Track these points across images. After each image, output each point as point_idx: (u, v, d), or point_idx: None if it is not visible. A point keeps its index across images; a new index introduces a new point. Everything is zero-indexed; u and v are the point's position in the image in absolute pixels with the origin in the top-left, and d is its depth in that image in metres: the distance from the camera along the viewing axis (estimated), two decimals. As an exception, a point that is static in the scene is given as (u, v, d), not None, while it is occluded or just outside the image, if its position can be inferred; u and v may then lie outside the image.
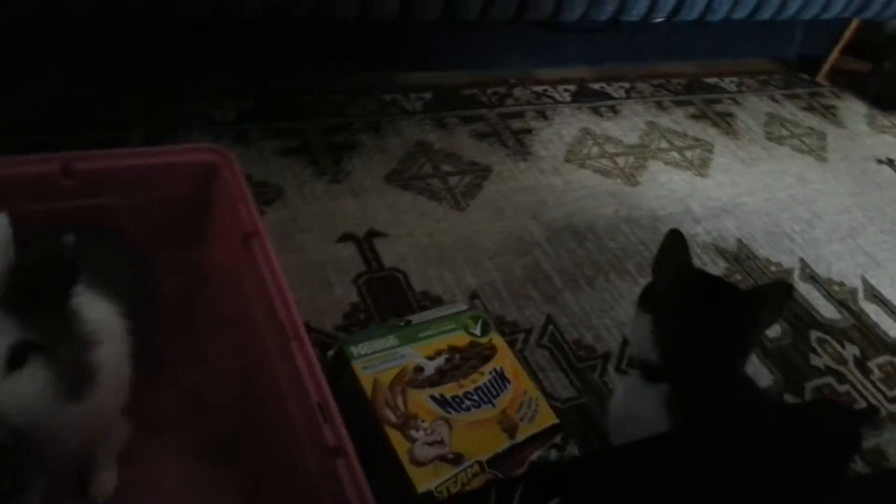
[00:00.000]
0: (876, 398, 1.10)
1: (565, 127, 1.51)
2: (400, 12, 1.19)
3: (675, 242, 0.73)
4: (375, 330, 0.89)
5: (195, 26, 1.16)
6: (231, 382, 0.82)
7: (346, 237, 1.12)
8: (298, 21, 1.12)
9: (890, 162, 1.71)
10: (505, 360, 0.88)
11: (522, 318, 1.07)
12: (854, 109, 1.90)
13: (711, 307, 0.70)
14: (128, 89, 1.23)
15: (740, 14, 1.52)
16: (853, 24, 1.86)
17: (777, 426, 0.62)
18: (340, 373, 0.82)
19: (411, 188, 1.25)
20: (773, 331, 1.16)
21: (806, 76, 1.99)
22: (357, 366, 0.81)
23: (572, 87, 1.65)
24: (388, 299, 1.04)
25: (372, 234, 1.13)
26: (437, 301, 1.05)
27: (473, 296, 1.08)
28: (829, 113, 1.85)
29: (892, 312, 1.27)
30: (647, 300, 0.75)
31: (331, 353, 0.86)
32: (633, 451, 0.59)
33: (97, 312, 0.61)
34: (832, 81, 2.00)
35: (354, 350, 0.82)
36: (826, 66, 1.98)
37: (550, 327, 1.07)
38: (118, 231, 0.79)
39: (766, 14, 1.55)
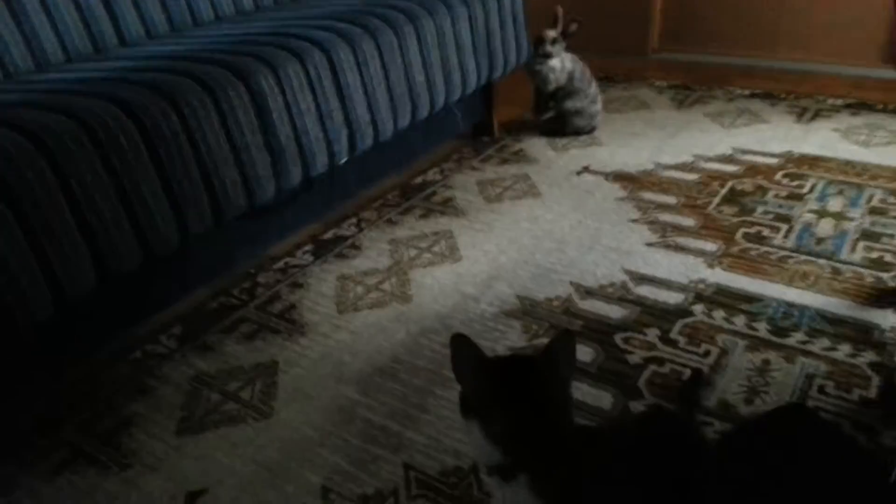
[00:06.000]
0: (693, 361, 1.21)
1: (323, 284, 1.53)
2: (96, 281, 1.13)
3: (461, 345, 0.75)
4: None
5: None
6: None
7: (165, 519, 0.99)
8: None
9: (585, 168, 1.97)
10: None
11: (382, 483, 1.02)
12: (536, 144, 2.17)
13: (519, 390, 0.72)
14: None
15: (403, 123, 1.69)
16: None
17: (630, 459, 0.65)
18: None
19: (207, 427, 1.15)
20: (587, 355, 1.24)
21: (486, 138, 2.24)
22: None
23: (309, 247, 1.68)
24: (244, 553, 0.93)
25: (192, 497, 1.02)
26: (293, 523, 0.96)
27: (325, 493, 1.01)
28: (520, 156, 2.09)
29: (659, 283, 1.43)
30: (466, 408, 0.75)
31: None
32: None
33: None
34: (507, 131, 2.28)
35: None
36: (495, 123, 2.25)
37: (412, 474, 1.03)
38: None
39: (423, 113, 1.74)
